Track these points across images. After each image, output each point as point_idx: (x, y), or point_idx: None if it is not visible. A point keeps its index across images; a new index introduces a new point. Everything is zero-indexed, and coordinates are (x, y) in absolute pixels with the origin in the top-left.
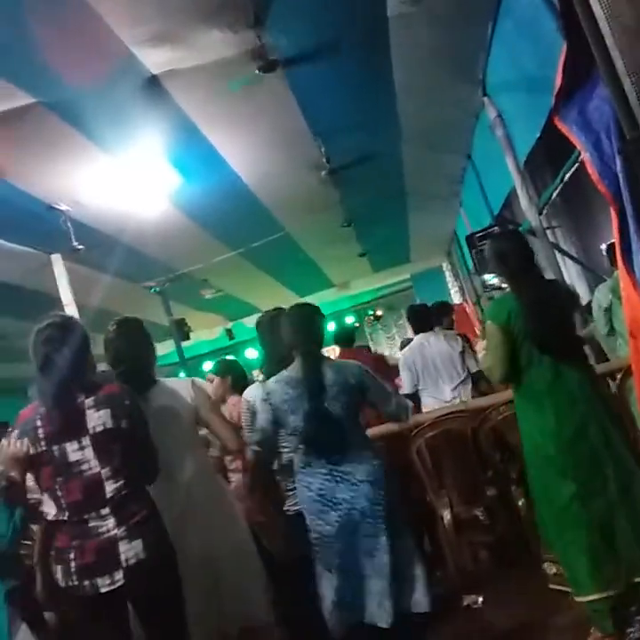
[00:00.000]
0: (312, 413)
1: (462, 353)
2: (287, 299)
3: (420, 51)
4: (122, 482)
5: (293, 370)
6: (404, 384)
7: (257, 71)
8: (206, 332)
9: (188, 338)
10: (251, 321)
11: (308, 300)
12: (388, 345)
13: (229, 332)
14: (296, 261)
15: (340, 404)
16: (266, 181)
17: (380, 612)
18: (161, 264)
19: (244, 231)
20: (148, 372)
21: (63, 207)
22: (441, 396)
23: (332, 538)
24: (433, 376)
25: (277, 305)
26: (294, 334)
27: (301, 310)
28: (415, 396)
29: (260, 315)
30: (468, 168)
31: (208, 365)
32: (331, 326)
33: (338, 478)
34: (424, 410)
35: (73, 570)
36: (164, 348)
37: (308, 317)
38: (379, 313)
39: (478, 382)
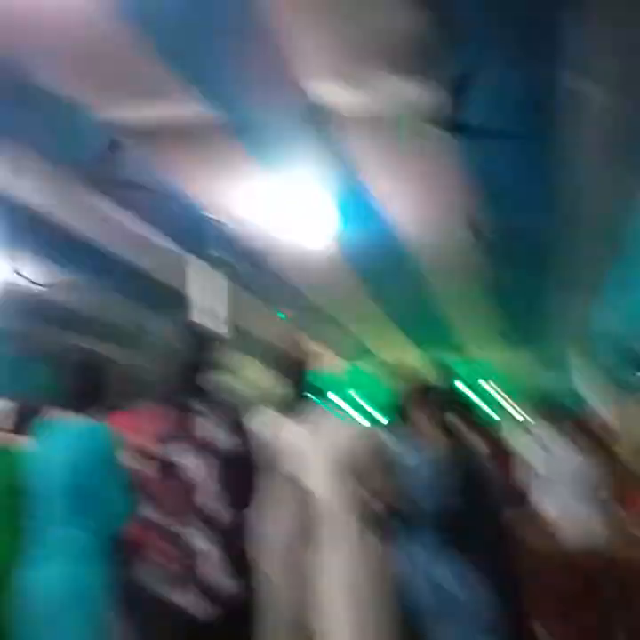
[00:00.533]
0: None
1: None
2: (409, 353)
3: (598, 139)
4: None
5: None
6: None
7: (433, 128)
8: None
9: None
10: (365, 365)
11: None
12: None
13: (346, 372)
14: (426, 316)
15: None
16: (415, 231)
17: None
18: (294, 290)
19: (383, 275)
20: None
21: (215, 216)
22: (569, 513)
23: None
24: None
25: (400, 358)
26: None
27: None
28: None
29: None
30: (622, 262)
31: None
32: None
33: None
34: (547, 522)
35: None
36: None
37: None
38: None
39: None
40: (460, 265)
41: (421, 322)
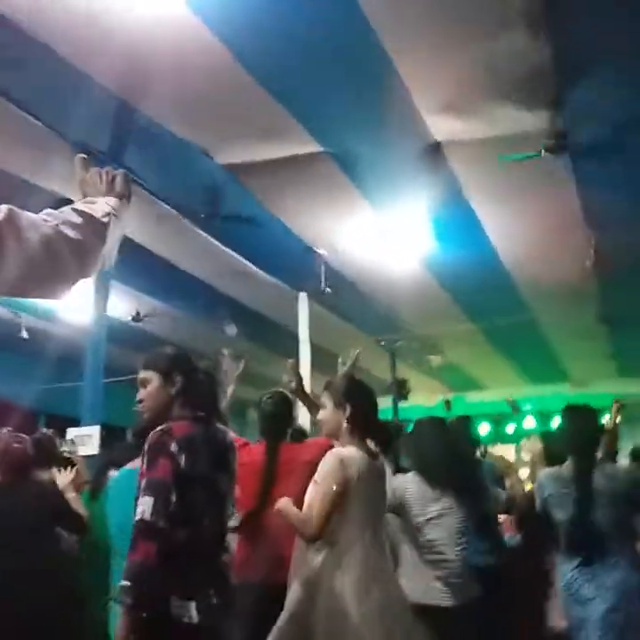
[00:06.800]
0: (576, 515)
1: None
2: (514, 381)
3: None
4: None
5: (566, 469)
6: None
7: (543, 152)
8: (425, 397)
9: (406, 399)
10: (471, 396)
11: (538, 390)
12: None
13: (448, 403)
14: (534, 347)
15: (605, 511)
16: (523, 262)
17: None
18: (397, 320)
19: (489, 306)
20: None
21: (321, 251)
22: None
23: (573, 630)
24: None
25: (504, 386)
26: (571, 436)
27: (581, 413)
28: None
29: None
30: None
31: None
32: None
33: (587, 577)
34: None
35: None
36: (380, 405)
37: (588, 420)
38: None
39: None
40: (570, 294)
41: (529, 354)
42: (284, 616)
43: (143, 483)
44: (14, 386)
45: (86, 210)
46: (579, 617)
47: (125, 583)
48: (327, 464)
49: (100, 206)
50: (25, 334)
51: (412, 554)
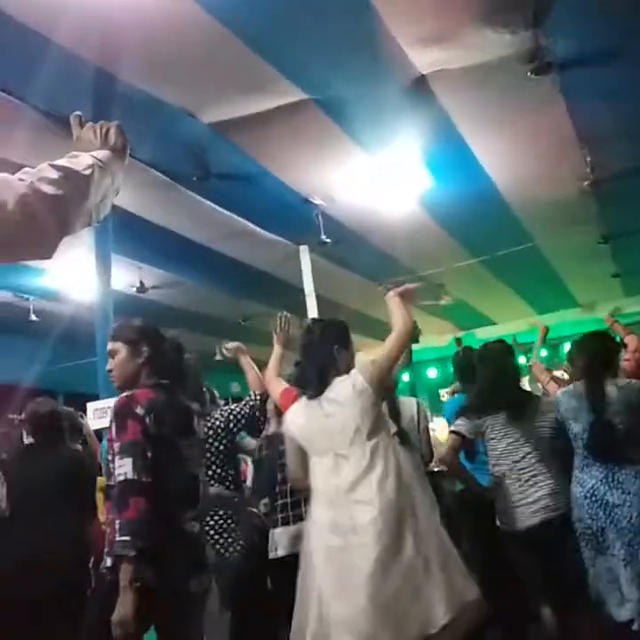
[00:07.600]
0: (593, 424)
1: None
2: (524, 313)
3: None
4: None
5: (579, 385)
6: None
7: (529, 73)
8: (435, 338)
9: (417, 341)
10: (483, 332)
11: (549, 318)
12: None
13: (459, 341)
14: (540, 276)
15: (620, 419)
16: (520, 189)
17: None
18: (399, 264)
19: (489, 239)
20: None
21: (317, 201)
22: None
23: (593, 536)
24: None
25: (514, 319)
26: (580, 357)
27: (595, 337)
28: None
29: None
30: None
31: (432, 372)
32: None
33: (611, 484)
34: None
35: None
36: None
37: (600, 343)
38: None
39: None
40: (570, 216)
41: (535, 283)
42: None
43: (116, 447)
44: (29, 369)
45: (66, 164)
46: (602, 521)
47: (125, 538)
48: None
49: (82, 160)
50: (34, 317)
51: (510, 484)
